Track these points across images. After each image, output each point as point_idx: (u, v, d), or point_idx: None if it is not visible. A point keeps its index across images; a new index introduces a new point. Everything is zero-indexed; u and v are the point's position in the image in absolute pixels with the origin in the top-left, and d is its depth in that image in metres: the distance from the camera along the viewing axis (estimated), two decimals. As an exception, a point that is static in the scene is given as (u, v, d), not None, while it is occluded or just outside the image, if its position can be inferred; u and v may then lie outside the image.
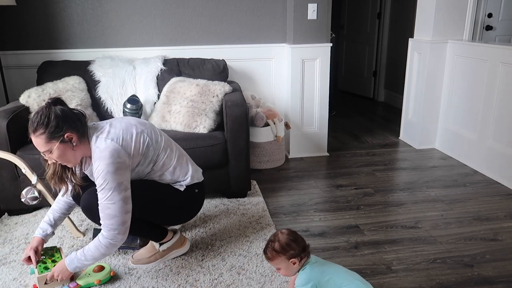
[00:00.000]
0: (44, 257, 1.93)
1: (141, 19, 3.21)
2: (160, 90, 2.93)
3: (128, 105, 2.77)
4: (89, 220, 2.14)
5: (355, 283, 1.55)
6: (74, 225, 2.26)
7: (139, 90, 2.95)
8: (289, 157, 3.52)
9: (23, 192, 2.12)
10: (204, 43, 3.33)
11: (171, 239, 2.04)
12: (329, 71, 3.38)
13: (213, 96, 2.75)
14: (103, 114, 2.91)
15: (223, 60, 3.12)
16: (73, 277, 1.87)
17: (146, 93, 2.93)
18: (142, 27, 3.23)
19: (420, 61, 3.56)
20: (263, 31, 3.39)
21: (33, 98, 2.60)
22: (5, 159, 2.23)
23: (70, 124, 1.65)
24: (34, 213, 2.56)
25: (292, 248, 1.56)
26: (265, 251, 1.61)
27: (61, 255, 1.96)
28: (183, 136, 2.58)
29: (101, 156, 1.65)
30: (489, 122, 3.02)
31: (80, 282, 1.84)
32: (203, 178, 2.05)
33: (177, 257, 2.08)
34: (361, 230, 2.34)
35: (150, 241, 2.04)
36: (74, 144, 1.67)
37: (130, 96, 2.82)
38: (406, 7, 4.96)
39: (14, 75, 3.15)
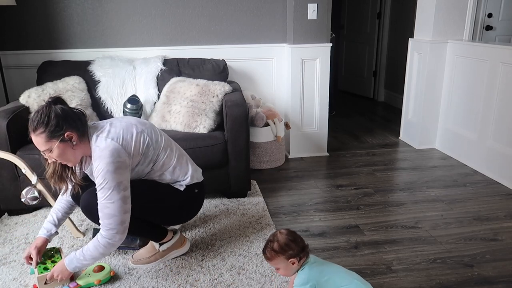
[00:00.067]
0: (43, 257, 1.93)
1: (141, 19, 3.21)
2: (160, 90, 2.94)
3: (128, 105, 2.77)
4: (89, 220, 2.14)
5: (354, 283, 1.55)
6: (74, 225, 2.26)
7: (139, 90, 2.95)
8: (289, 157, 3.52)
9: (23, 192, 2.12)
10: (204, 43, 3.33)
11: (171, 239, 2.04)
12: (329, 71, 3.38)
13: (213, 96, 2.75)
14: (103, 114, 2.91)
15: (223, 60, 3.13)
16: (73, 277, 1.87)
17: (146, 93, 2.93)
18: (142, 27, 3.23)
19: (420, 61, 3.56)
20: (263, 31, 3.39)
21: (33, 98, 2.60)
22: (5, 159, 2.23)
23: (70, 123, 1.65)
24: (34, 213, 2.56)
25: (291, 248, 1.56)
26: (264, 251, 1.61)
27: (61, 256, 1.96)
28: (183, 136, 2.58)
29: (101, 155, 1.65)
30: (489, 122, 3.02)
31: (80, 282, 1.84)
32: (203, 178, 2.05)
33: (177, 257, 2.08)
34: (361, 230, 2.34)
35: (150, 241, 2.04)
36: (74, 143, 1.67)
37: (130, 96, 2.82)
38: (406, 7, 4.96)
39: (14, 75, 3.15)
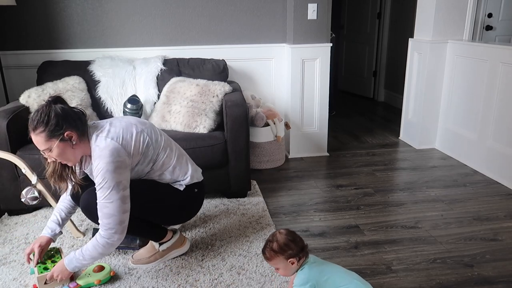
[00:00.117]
0: (44, 257, 1.93)
1: (141, 19, 3.21)
2: (160, 90, 2.94)
3: (129, 105, 2.77)
4: (89, 220, 2.14)
5: (354, 283, 1.55)
6: (74, 225, 2.26)
7: (139, 90, 2.95)
8: (289, 157, 3.52)
9: (23, 192, 2.12)
10: (204, 43, 3.33)
11: (170, 238, 2.04)
12: (329, 71, 3.38)
13: (213, 96, 2.75)
14: (103, 114, 2.91)
15: (223, 60, 3.13)
16: (73, 277, 1.87)
17: (146, 93, 2.93)
18: (142, 27, 3.23)
19: (420, 61, 3.56)
20: (263, 31, 3.39)
21: (33, 98, 2.60)
22: (5, 159, 2.23)
23: (70, 123, 1.65)
24: (34, 213, 2.56)
25: (290, 248, 1.56)
26: (263, 251, 1.61)
27: (61, 256, 1.96)
28: (183, 136, 2.58)
29: (101, 155, 1.65)
30: (489, 122, 3.02)
31: (80, 282, 1.84)
32: (202, 178, 2.05)
33: (177, 257, 2.08)
34: (361, 230, 2.34)
35: (150, 241, 2.04)
36: (74, 142, 1.68)
37: (131, 96, 2.82)
38: (406, 7, 4.96)
39: (14, 75, 3.16)
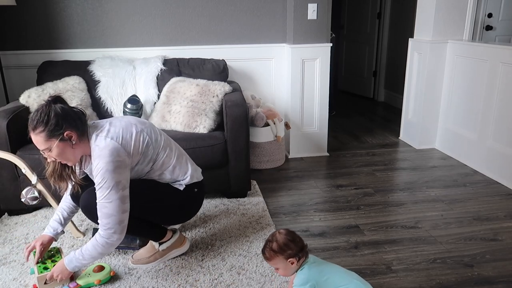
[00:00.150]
0: (44, 257, 1.93)
1: (141, 19, 3.21)
2: (160, 90, 2.94)
3: (129, 105, 2.77)
4: (89, 220, 2.14)
5: (353, 283, 1.55)
6: (74, 225, 2.26)
7: (139, 90, 2.95)
8: (289, 157, 3.52)
9: (23, 192, 2.13)
10: (204, 43, 3.33)
11: (170, 238, 2.04)
12: (329, 71, 3.38)
13: (213, 96, 2.75)
14: (103, 114, 2.91)
15: (223, 60, 3.13)
16: (73, 277, 1.87)
17: (146, 93, 2.93)
18: (142, 27, 3.23)
19: (420, 61, 3.56)
20: (263, 31, 3.39)
21: (33, 98, 2.60)
22: (5, 159, 2.23)
23: (70, 123, 1.65)
24: (34, 213, 2.56)
25: (290, 248, 1.56)
26: (263, 251, 1.61)
27: (61, 255, 1.96)
28: (183, 136, 2.58)
29: (100, 155, 1.65)
30: (489, 122, 3.02)
31: (80, 282, 1.84)
32: (202, 178, 2.05)
33: (177, 257, 2.08)
34: (361, 230, 2.34)
35: (150, 241, 2.04)
36: (74, 142, 1.67)
37: (131, 96, 2.82)
38: (406, 7, 4.96)
39: (14, 75, 3.16)
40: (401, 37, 5.08)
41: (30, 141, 1.70)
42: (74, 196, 1.95)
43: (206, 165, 2.32)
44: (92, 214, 1.78)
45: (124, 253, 2.11)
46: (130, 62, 3.04)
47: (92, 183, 1.79)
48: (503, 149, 2.91)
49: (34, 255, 1.90)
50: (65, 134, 1.64)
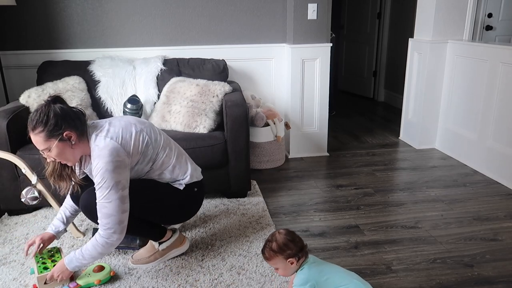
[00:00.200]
0: (44, 256, 1.93)
1: (141, 19, 3.21)
2: (160, 90, 2.94)
3: (129, 105, 2.77)
4: (89, 220, 2.14)
5: (353, 283, 1.55)
6: (74, 225, 2.26)
7: (139, 90, 2.95)
8: (289, 157, 3.52)
9: (23, 192, 2.13)
10: (204, 43, 3.33)
11: (170, 238, 2.04)
12: (329, 71, 3.38)
13: (213, 96, 2.75)
14: (103, 114, 2.91)
15: (223, 60, 3.13)
16: (73, 277, 1.87)
17: (146, 93, 2.93)
18: (142, 27, 3.23)
19: (420, 61, 3.56)
20: (263, 31, 3.39)
21: (33, 98, 2.60)
22: (5, 159, 2.23)
23: (69, 123, 1.65)
24: (34, 213, 2.56)
25: (290, 248, 1.56)
26: (263, 251, 1.61)
27: (61, 255, 1.96)
28: (183, 136, 2.58)
29: (100, 155, 1.65)
30: (489, 122, 3.02)
31: (80, 282, 1.84)
32: (202, 177, 2.05)
33: (177, 257, 2.08)
34: (361, 230, 2.34)
35: (150, 241, 2.04)
36: (73, 142, 1.68)
37: (131, 96, 2.82)
38: (406, 7, 4.96)
39: (14, 75, 3.16)
40: (401, 37, 5.08)
41: (30, 141, 1.70)
42: (74, 196, 1.96)
43: (206, 165, 2.32)
44: (92, 214, 1.78)
45: (124, 253, 2.11)
46: (130, 62, 3.04)
47: (92, 183, 1.79)
48: (503, 149, 2.91)
49: (35, 257, 1.91)
50: (64, 134, 1.64)
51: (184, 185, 1.94)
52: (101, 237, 1.70)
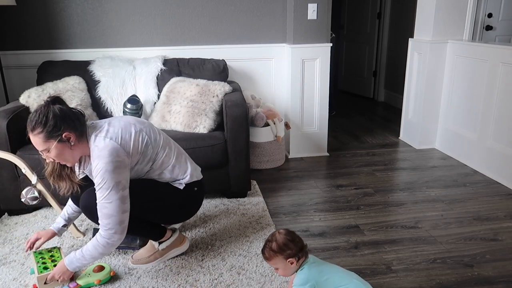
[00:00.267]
0: (44, 256, 1.93)
1: (141, 19, 3.21)
2: (160, 90, 2.94)
3: (129, 105, 2.77)
4: (89, 220, 2.14)
5: (353, 283, 1.55)
6: (74, 225, 2.26)
7: (139, 90, 2.95)
8: (289, 157, 3.52)
9: (23, 192, 2.13)
10: (204, 43, 3.33)
11: (170, 237, 2.04)
12: (329, 71, 3.38)
13: (213, 96, 2.75)
14: (103, 114, 2.91)
15: (223, 60, 3.13)
16: (73, 277, 1.87)
17: (146, 93, 2.93)
18: (142, 27, 3.23)
19: (420, 61, 3.56)
20: (263, 31, 3.39)
21: (33, 98, 2.60)
22: (5, 159, 2.23)
23: (68, 124, 1.65)
24: (34, 213, 2.56)
25: (290, 248, 1.56)
26: (263, 251, 1.61)
27: (61, 255, 1.96)
28: (183, 136, 2.58)
29: (100, 155, 1.65)
30: (489, 122, 3.02)
31: (80, 282, 1.84)
32: (202, 177, 2.05)
33: (177, 257, 2.08)
34: (361, 230, 2.34)
35: (150, 241, 2.04)
36: (72, 143, 1.68)
37: (130, 96, 2.82)
38: (406, 7, 4.96)
39: (14, 75, 3.16)
40: (401, 37, 5.08)
41: (29, 141, 1.70)
42: (74, 197, 1.96)
43: (206, 165, 2.32)
44: (92, 214, 1.78)
45: (124, 253, 2.11)
46: (130, 62, 3.04)
47: (91, 183, 1.80)
48: (503, 149, 2.91)
49: (35, 257, 1.92)
50: (63, 135, 1.64)
51: (184, 185, 1.94)
52: (102, 237, 1.70)
